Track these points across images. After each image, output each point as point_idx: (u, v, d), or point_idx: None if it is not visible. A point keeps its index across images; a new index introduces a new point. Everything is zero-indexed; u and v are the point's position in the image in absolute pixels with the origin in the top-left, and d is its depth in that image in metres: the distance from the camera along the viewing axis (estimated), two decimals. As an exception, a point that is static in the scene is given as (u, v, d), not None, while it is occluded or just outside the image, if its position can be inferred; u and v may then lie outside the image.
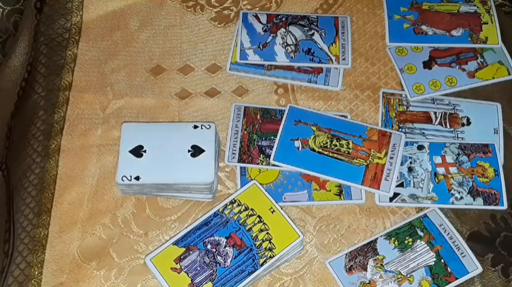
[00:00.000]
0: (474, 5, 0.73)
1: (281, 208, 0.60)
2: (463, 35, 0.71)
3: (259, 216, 0.59)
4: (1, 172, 0.66)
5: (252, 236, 0.58)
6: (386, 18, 0.73)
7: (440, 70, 0.70)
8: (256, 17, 0.73)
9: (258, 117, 0.67)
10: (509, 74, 0.69)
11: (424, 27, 0.72)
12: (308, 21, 0.72)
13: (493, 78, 0.69)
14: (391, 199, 0.63)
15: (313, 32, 0.71)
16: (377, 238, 0.61)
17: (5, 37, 0.73)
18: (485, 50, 0.71)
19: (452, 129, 0.67)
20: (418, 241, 0.60)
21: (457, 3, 0.74)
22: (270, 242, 0.58)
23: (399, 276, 0.59)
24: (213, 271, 0.57)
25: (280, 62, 0.70)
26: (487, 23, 0.71)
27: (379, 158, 0.64)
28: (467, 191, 0.63)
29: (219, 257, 0.57)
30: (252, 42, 0.71)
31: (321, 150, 0.64)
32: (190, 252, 0.58)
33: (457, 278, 0.58)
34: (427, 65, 0.70)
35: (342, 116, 0.67)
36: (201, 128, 0.63)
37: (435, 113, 0.68)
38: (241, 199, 0.60)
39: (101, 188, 0.64)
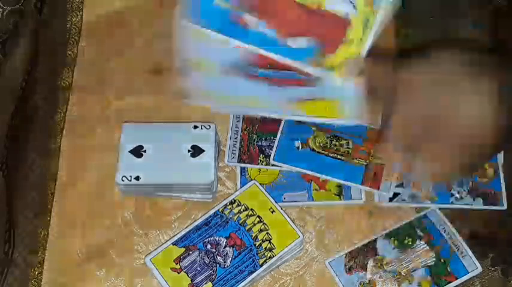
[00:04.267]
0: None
1: (281, 208, 0.60)
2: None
3: (259, 216, 0.59)
4: (1, 172, 0.66)
5: (251, 236, 0.58)
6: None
7: None
8: (256, 17, 0.72)
9: (258, 117, 0.67)
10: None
11: (248, 17, 0.46)
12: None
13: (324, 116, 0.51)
14: (391, 199, 0.63)
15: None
16: (377, 238, 0.61)
17: (5, 37, 0.73)
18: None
19: (452, 129, 0.67)
20: (418, 241, 0.60)
21: None
22: (269, 242, 0.58)
23: (399, 276, 0.59)
24: (213, 271, 0.57)
25: (280, 62, 0.69)
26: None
27: (379, 158, 0.64)
28: (467, 191, 0.63)
29: (218, 258, 0.57)
30: (252, 42, 0.70)
31: (320, 150, 0.64)
32: (190, 252, 0.58)
33: (457, 278, 0.58)
34: None
35: (341, 116, 0.67)
36: (201, 128, 0.63)
37: (435, 113, 0.67)
38: (241, 199, 0.60)
39: (101, 188, 0.64)
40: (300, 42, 0.46)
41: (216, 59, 0.48)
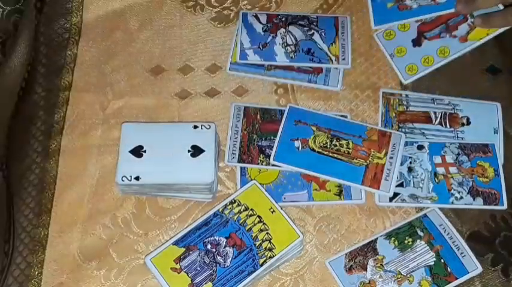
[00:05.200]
0: None
1: (281, 208, 0.60)
2: (449, 0, 0.70)
3: (259, 216, 0.59)
4: (1, 172, 0.66)
5: (251, 236, 0.58)
6: (369, 1, 0.73)
7: (430, 44, 0.69)
8: (256, 17, 0.73)
9: (258, 117, 0.67)
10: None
11: (408, 2, 0.71)
12: (308, 21, 0.72)
13: (487, 35, 0.68)
14: (391, 199, 0.63)
15: (313, 32, 0.71)
16: (377, 238, 0.61)
17: (5, 37, 0.73)
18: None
19: (452, 129, 0.67)
20: (418, 241, 0.60)
21: None
22: (269, 242, 0.58)
23: (399, 276, 0.59)
24: (213, 271, 0.57)
25: (280, 62, 0.70)
26: None
27: (379, 158, 0.64)
28: (467, 191, 0.63)
29: (219, 257, 0.57)
30: (252, 42, 0.71)
31: (320, 150, 0.64)
32: (190, 252, 0.58)
33: (456, 278, 0.58)
34: (417, 42, 0.69)
35: (341, 116, 0.67)
36: (201, 128, 0.63)
37: (435, 112, 0.68)
38: (241, 199, 0.60)
39: (101, 188, 0.65)
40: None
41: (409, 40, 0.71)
